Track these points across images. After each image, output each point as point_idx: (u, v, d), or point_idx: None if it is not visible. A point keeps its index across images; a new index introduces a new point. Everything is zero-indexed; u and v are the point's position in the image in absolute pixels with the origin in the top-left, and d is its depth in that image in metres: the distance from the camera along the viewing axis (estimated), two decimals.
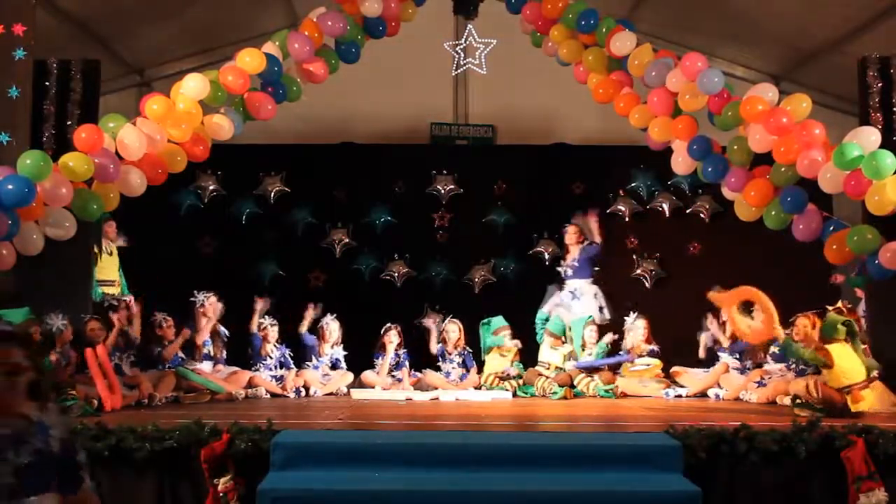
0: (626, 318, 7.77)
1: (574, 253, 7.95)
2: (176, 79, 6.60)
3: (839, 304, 6.39)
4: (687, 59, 6.54)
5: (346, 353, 7.75)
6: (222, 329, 7.40)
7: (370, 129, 9.27)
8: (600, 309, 7.78)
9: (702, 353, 7.54)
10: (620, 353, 7.62)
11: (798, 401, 5.67)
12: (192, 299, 7.20)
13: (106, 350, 5.96)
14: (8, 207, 5.32)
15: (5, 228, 5.31)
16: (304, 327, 7.66)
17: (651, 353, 7.58)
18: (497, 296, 8.84)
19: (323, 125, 9.20)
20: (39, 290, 6.30)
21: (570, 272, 7.91)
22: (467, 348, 7.80)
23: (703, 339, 7.54)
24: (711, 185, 7.33)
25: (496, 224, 9.06)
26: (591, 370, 7.41)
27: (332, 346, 7.67)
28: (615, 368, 7.53)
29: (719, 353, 7.42)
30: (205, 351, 7.13)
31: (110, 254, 7.62)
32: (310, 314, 7.67)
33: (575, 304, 7.77)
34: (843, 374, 5.66)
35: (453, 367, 7.70)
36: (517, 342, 7.75)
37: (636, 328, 7.66)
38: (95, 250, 7.15)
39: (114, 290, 7.55)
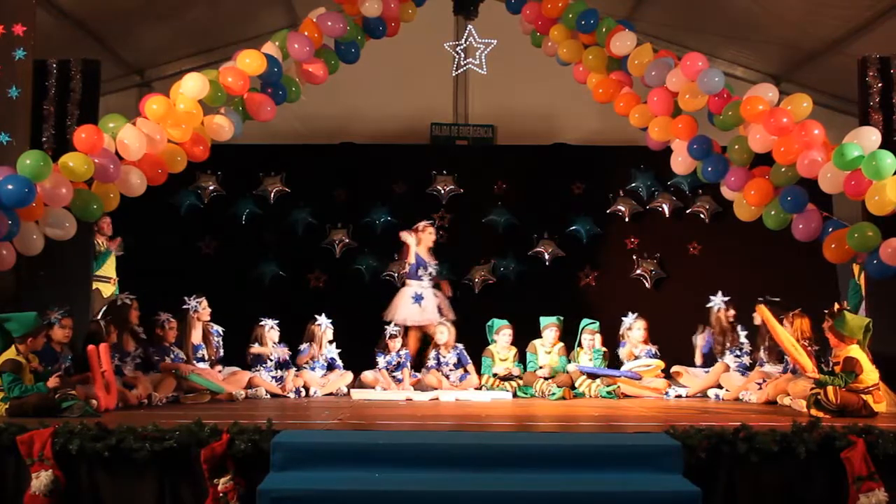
0: (623, 318, 7.79)
1: (412, 257, 8.07)
2: (176, 79, 6.59)
3: (845, 303, 6.35)
4: (687, 59, 6.53)
5: (339, 350, 7.75)
6: (215, 328, 7.37)
7: (370, 129, 9.26)
8: (439, 310, 8.00)
9: (699, 360, 7.54)
10: (624, 366, 7.58)
11: (816, 398, 5.52)
12: (185, 306, 7.12)
13: (108, 350, 5.94)
14: (8, 207, 5.32)
15: (5, 228, 5.31)
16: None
17: (650, 355, 7.57)
18: (497, 296, 8.84)
19: (323, 125, 9.20)
20: (39, 290, 6.31)
21: (413, 272, 8.06)
22: (459, 345, 7.80)
23: (699, 341, 7.54)
24: (711, 185, 7.33)
25: (496, 224, 9.05)
26: (592, 375, 7.39)
27: (323, 347, 7.65)
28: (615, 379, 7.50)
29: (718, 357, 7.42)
30: (199, 354, 7.12)
31: (108, 250, 7.62)
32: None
33: (426, 304, 7.93)
34: (866, 375, 5.58)
35: (450, 369, 7.70)
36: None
37: (635, 329, 7.66)
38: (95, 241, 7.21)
39: (111, 288, 7.55)
